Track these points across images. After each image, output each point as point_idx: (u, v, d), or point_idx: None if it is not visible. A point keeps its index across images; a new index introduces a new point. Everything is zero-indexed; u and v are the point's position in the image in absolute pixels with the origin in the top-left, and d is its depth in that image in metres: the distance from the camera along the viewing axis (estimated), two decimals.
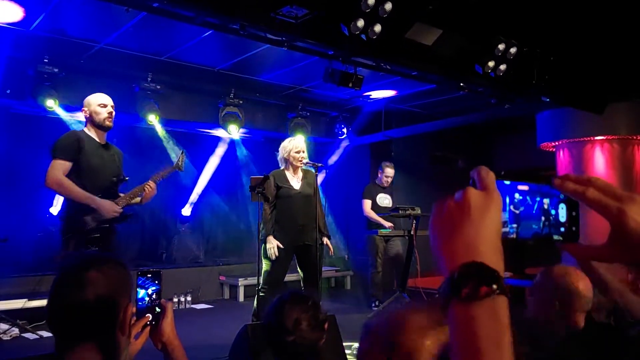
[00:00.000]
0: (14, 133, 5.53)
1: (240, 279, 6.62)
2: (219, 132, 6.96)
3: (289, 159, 4.10)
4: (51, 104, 4.89)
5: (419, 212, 5.60)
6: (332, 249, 4.28)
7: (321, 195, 4.38)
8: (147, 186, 3.25)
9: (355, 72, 4.05)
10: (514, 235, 0.67)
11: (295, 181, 4.12)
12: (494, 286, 0.54)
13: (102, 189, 3.12)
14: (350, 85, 3.98)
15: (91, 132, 3.23)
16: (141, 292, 1.39)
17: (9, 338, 4.56)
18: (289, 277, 4.90)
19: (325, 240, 4.19)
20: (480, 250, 0.57)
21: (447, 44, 3.68)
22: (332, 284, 7.73)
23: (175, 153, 6.57)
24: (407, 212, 5.57)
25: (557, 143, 5.90)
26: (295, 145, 4.10)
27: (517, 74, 4.21)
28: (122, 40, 4.79)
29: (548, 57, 4.57)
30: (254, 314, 4.08)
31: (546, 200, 0.69)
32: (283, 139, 4.30)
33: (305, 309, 1.68)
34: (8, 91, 4.90)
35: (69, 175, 3.07)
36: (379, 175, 6.05)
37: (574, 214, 0.69)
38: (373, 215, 5.85)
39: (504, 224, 0.65)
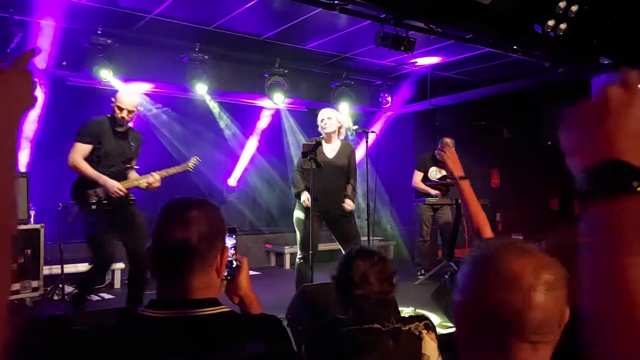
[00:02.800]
0: (70, 104, 5.72)
1: (286, 247, 6.76)
2: (263, 102, 7.00)
3: (321, 131, 4.22)
4: (105, 74, 5.03)
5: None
6: (351, 206, 4.20)
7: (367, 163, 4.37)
8: (152, 177, 3.63)
9: (407, 35, 3.96)
10: None
11: (329, 149, 4.18)
12: (635, 183, 0.53)
13: (113, 171, 3.58)
14: (402, 48, 3.91)
15: (114, 120, 3.64)
16: None
17: None
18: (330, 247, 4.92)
19: (347, 200, 4.16)
20: (621, 147, 0.55)
21: (505, 2, 3.54)
22: None
23: (226, 126, 6.75)
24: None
25: None
26: (318, 116, 4.25)
27: (577, 34, 4.02)
28: (172, 10, 4.84)
29: (609, 17, 4.33)
30: (297, 280, 4.18)
31: None
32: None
33: (372, 263, 1.73)
34: (64, 63, 5.06)
35: (90, 155, 3.53)
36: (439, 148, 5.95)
37: None
38: (421, 185, 5.82)
39: None
